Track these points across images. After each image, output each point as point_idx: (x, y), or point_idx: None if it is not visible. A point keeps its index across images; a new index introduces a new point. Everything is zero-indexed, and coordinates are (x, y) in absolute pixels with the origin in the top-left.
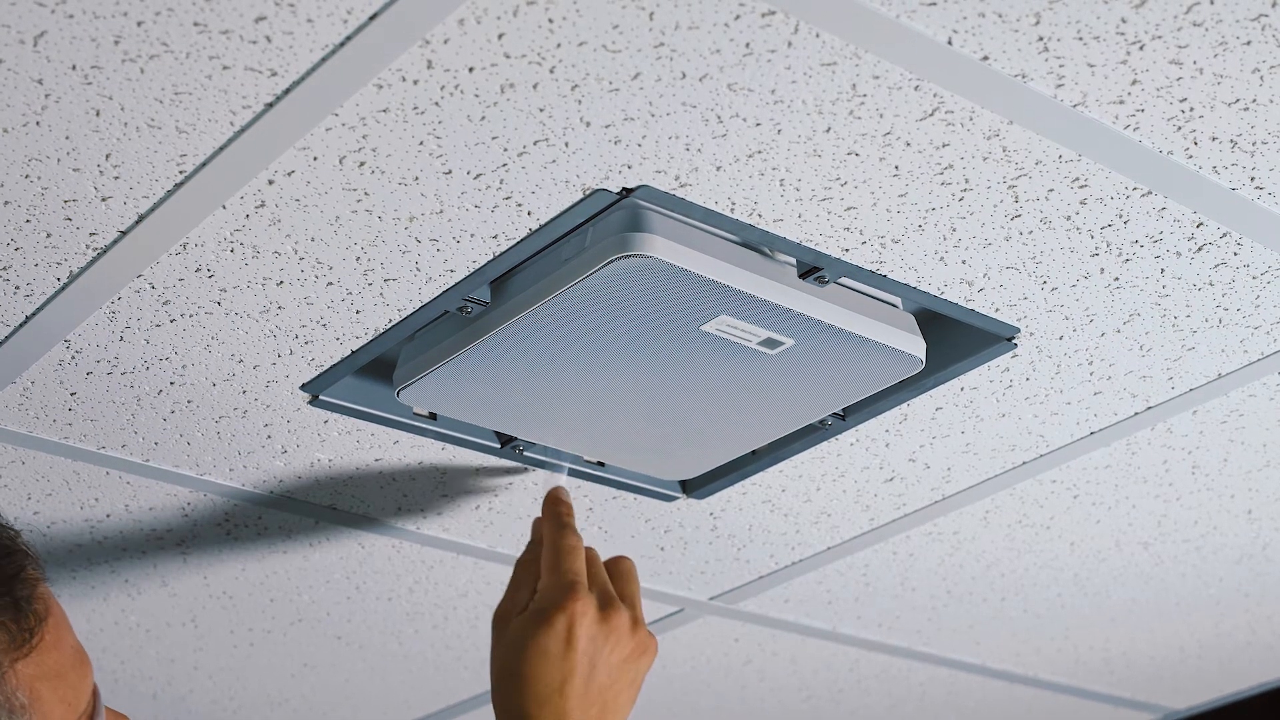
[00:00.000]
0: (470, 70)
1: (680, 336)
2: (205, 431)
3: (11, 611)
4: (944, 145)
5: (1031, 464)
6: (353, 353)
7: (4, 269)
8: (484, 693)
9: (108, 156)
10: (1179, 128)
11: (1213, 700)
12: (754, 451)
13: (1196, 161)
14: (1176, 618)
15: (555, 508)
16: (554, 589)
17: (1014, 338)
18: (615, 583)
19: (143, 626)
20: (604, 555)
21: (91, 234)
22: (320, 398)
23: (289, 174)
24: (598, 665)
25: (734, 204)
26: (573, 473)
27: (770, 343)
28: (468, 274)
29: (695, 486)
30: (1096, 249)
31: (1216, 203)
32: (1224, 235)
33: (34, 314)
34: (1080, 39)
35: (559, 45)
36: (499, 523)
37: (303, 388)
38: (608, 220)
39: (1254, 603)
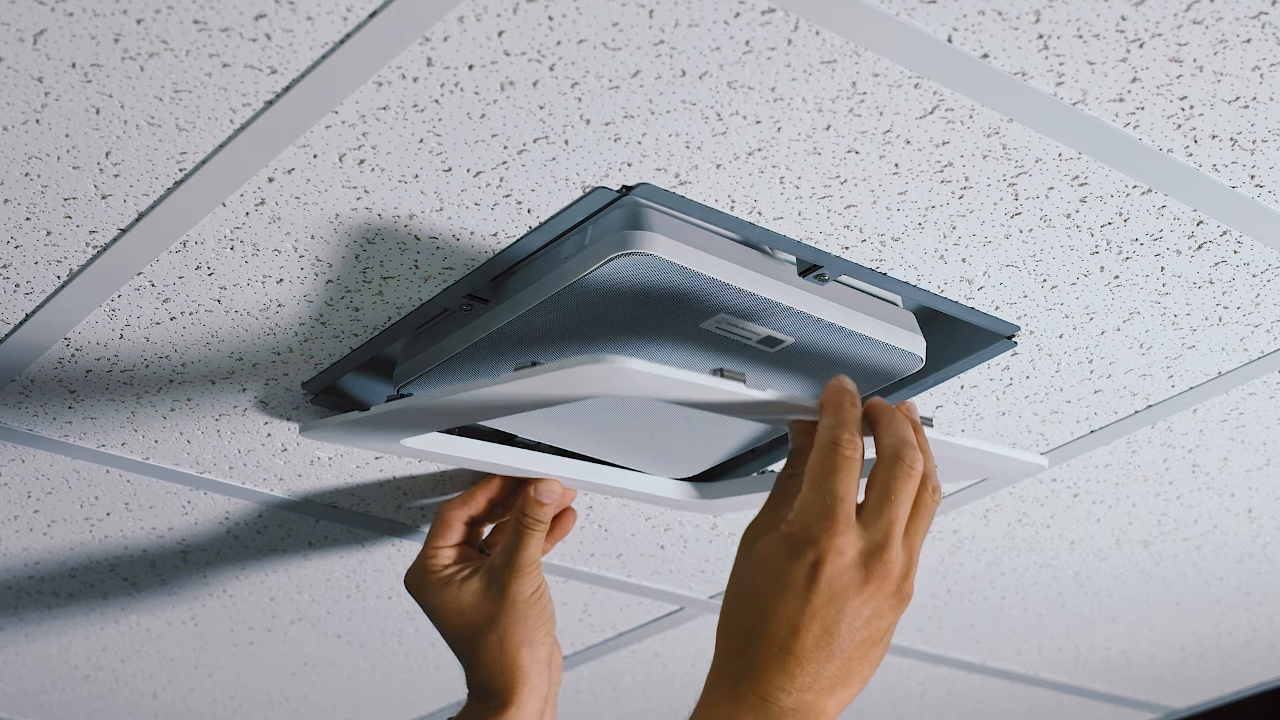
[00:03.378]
0: (470, 68)
1: (680, 334)
2: (205, 430)
3: None
4: (944, 143)
5: None
6: (352, 350)
7: (4, 267)
8: None
9: (108, 154)
10: (1179, 125)
11: (1213, 699)
12: (755, 450)
13: (1196, 159)
14: (1177, 617)
15: (838, 398)
16: (811, 512)
17: (1014, 336)
18: (910, 519)
19: (143, 625)
20: (600, 552)
21: (91, 232)
22: (320, 396)
23: (289, 172)
24: (844, 617)
25: (734, 202)
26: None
27: (770, 341)
28: (467, 272)
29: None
30: (1096, 247)
31: (1216, 201)
32: (1224, 233)
33: (34, 312)
34: (1080, 37)
35: (559, 43)
36: None
37: (303, 386)
38: (607, 218)
39: (1255, 602)
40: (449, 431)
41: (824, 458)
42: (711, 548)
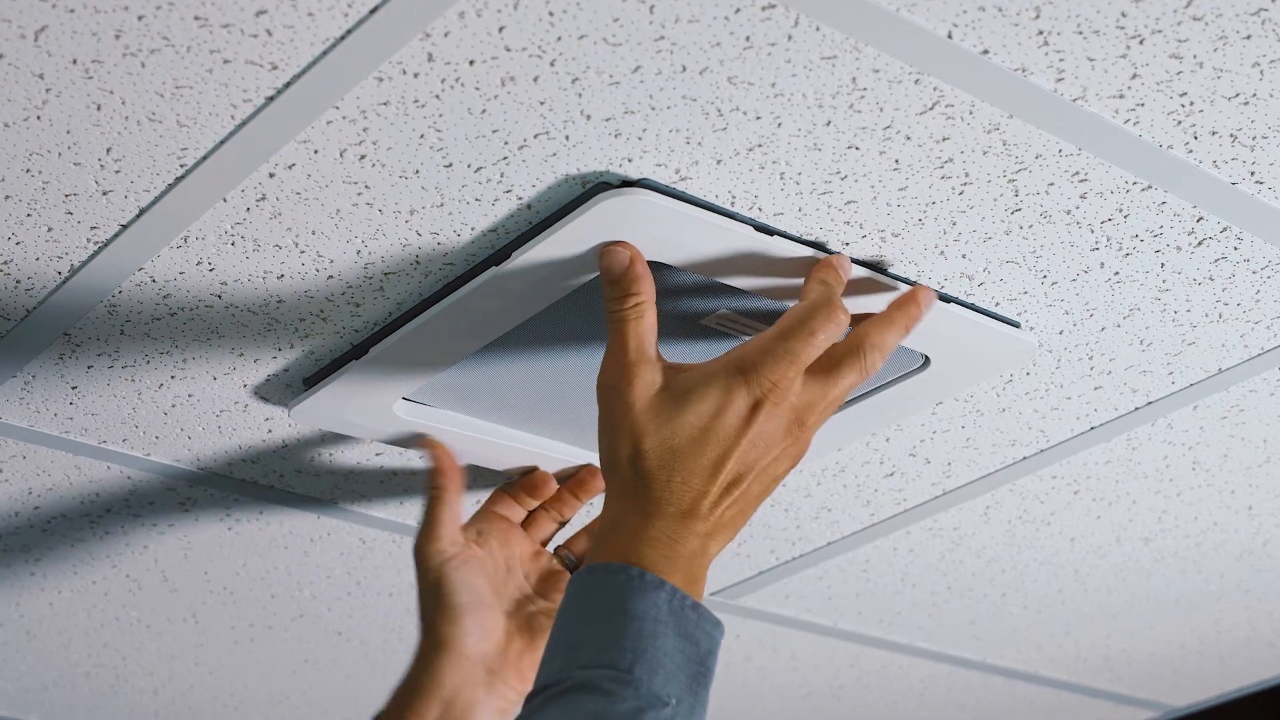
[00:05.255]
0: (471, 63)
1: (681, 330)
2: (206, 426)
3: None
4: (944, 139)
5: (1032, 459)
6: (353, 346)
7: (5, 263)
8: None
9: (109, 150)
10: (1179, 122)
11: (1213, 697)
12: None
13: (1196, 156)
14: (1177, 614)
15: (842, 269)
16: (773, 354)
17: None
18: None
19: (143, 622)
20: None
21: (92, 228)
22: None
23: (290, 167)
24: (759, 463)
25: (734, 197)
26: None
27: None
28: (468, 268)
29: None
30: (1096, 243)
31: (1216, 197)
32: (1224, 230)
33: (35, 308)
34: (1080, 33)
35: (559, 38)
36: None
37: (304, 382)
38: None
39: (1255, 599)
40: (446, 410)
41: (810, 313)
42: None
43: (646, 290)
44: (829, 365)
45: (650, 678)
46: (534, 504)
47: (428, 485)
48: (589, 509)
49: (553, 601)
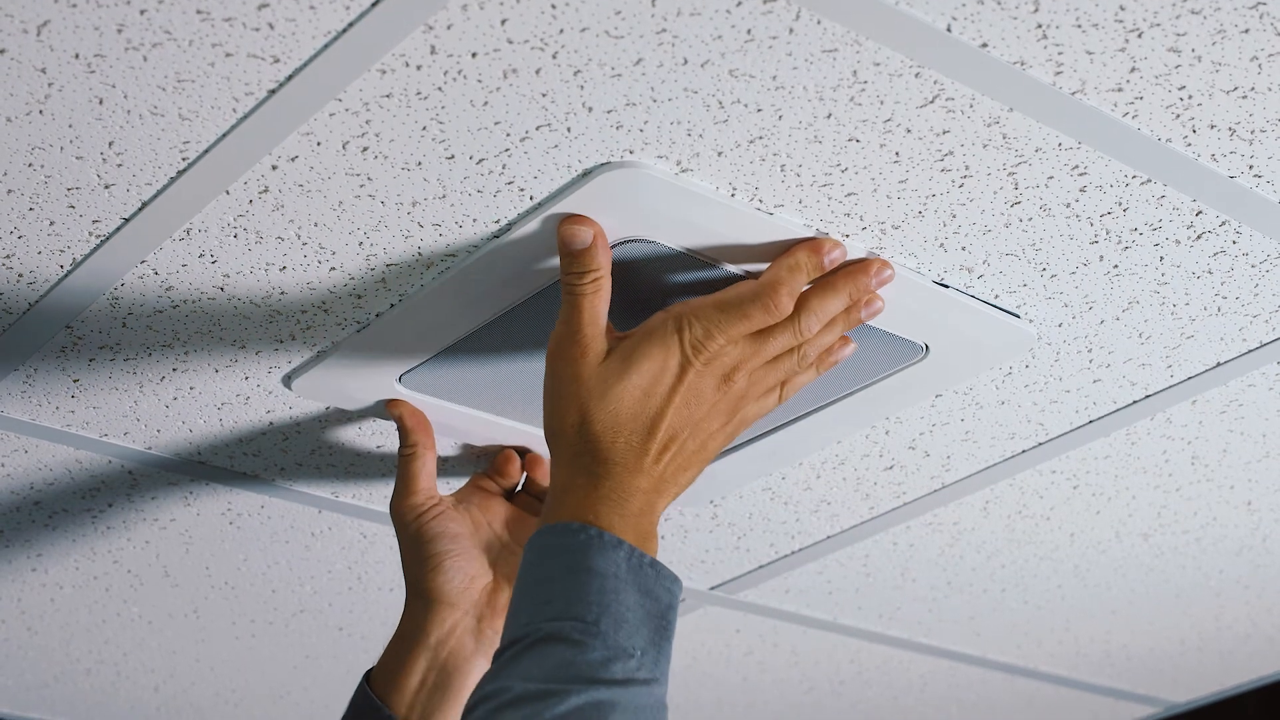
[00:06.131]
0: (473, 55)
1: None
2: (208, 419)
3: None
4: (944, 132)
5: (1031, 453)
6: (356, 337)
7: (7, 256)
8: None
9: (111, 144)
10: (1177, 115)
11: (1213, 693)
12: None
13: (1195, 149)
14: (1176, 610)
15: (799, 254)
16: (715, 316)
17: None
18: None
19: (145, 618)
20: None
21: (95, 221)
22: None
23: (292, 159)
24: (697, 420)
25: (735, 189)
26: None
27: None
28: (470, 259)
29: None
30: (1096, 236)
31: (1215, 190)
32: (1223, 223)
33: (37, 301)
34: (1079, 26)
35: (561, 30)
36: None
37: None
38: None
39: (1254, 595)
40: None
41: (753, 295)
42: (711, 538)
43: (605, 266)
44: (762, 338)
45: (615, 630)
46: (506, 483)
47: (400, 445)
48: None
49: None
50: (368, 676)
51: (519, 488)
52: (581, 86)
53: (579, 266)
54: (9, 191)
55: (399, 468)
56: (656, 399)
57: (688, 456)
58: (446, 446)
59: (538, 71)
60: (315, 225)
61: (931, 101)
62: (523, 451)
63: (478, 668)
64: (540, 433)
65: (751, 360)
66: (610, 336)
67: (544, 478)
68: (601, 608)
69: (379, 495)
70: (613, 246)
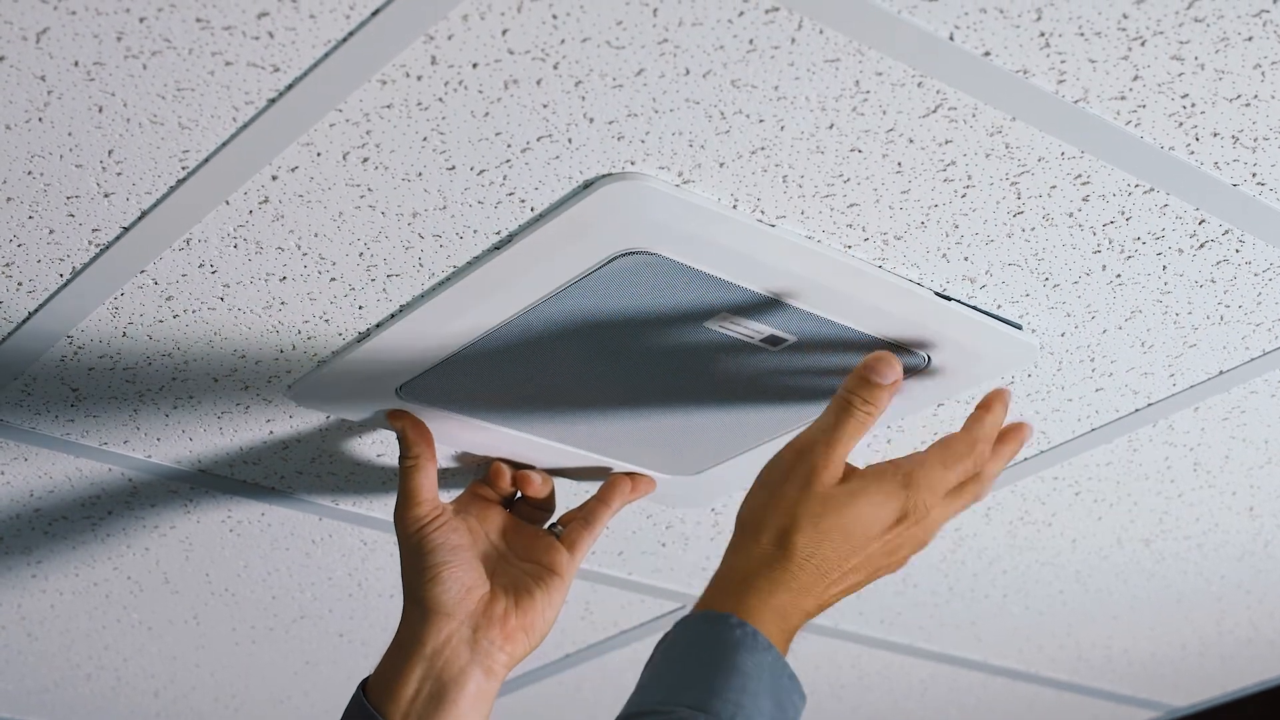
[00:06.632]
0: (474, 66)
1: (683, 333)
2: (208, 428)
3: None
4: (947, 142)
5: (1033, 460)
6: (356, 347)
7: (7, 265)
8: None
9: (110, 153)
10: (1180, 123)
11: (1214, 698)
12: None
13: (1198, 157)
14: (1178, 615)
15: (992, 409)
16: (931, 481)
17: None
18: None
19: (145, 624)
20: (601, 549)
21: (94, 230)
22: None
23: (292, 169)
24: (881, 561)
25: (736, 200)
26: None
27: (773, 340)
28: (471, 270)
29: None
30: (1099, 246)
31: (1218, 199)
32: (1226, 232)
33: (37, 310)
34: (1082, 34)
35: (563, 41)
36: None
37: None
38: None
39: (1255, 600)
40: (444, 410)
41: (970, 450)
42: (713, 545)
43: (884, 406)
44: (958, 490)
45: None
46: (502, 493)
47: (401, 456)
48: (577, 496)
49: (540, 564)
50: (364, 685)
51: (517, 495)
52: (583, 97)
53: (870, 396)
54: (8, 199)
55: (401, 479)
56: (860, 540)
57: (854, 587)
58: (446, 457)
59: (539, 82)
60: (315, 236)
61: (934, 111)
62: (514, 465)
63: (473, 678)
64: (540, 440)
65: (947, 510)
66: (846, 465)
67: (535, 492)
68: (737, 707)
69: (379, 502)
70: (613, 259)
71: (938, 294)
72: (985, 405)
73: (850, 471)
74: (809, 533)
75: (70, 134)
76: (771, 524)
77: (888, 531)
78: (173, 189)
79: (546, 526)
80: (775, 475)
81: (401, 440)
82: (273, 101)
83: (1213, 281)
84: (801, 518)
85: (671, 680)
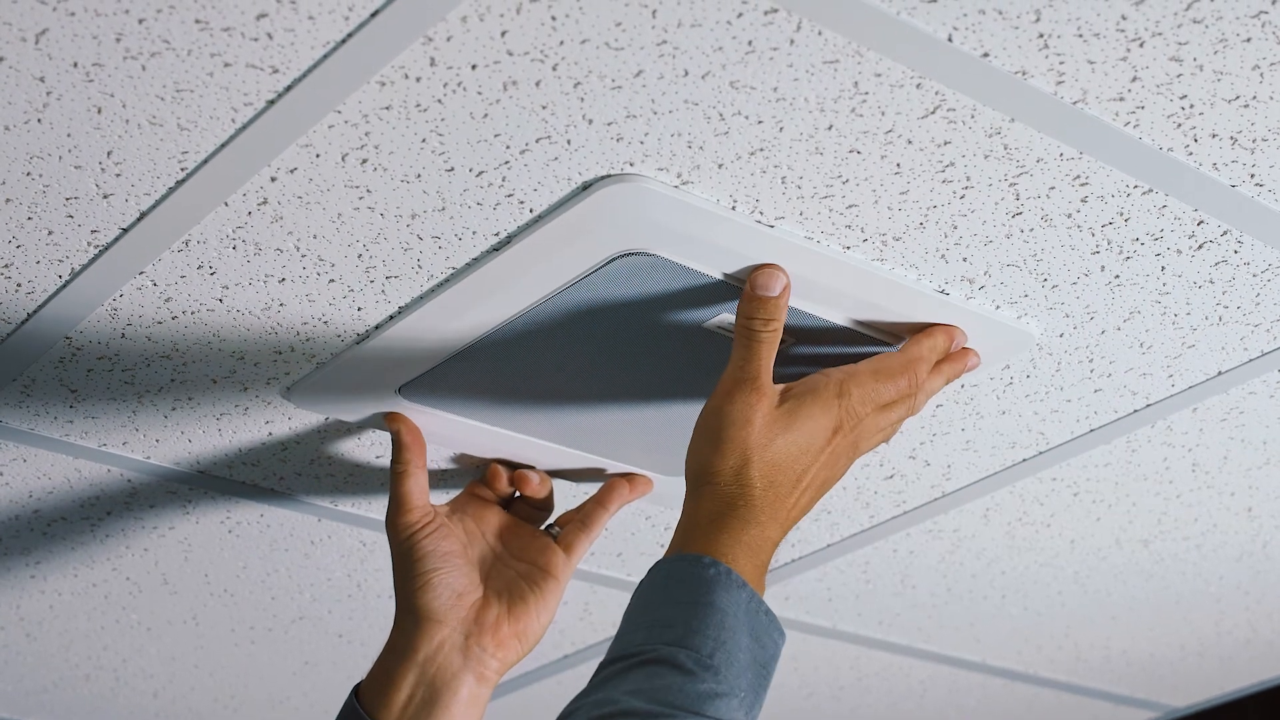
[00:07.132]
0: (473, 67)
1: (682, 333)
2: (207, 429)
3: None
4: (945, 143)
5: (1032, 461)
6: (355, 349)
7: (5, 266)
8: None
9: (109, 154)
10: (1179, 125)
11: (1213, 698)
12: None
13: (1197, 159)
14: (1177, 615)
15: (937, 336)
16: (873, 389)
17: None
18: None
19: (144, 624)
20: (600, 550)
21: (93, 231)
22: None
23: (291, 171)
24: (832, 470)
25: (735, 201)
26: None
27: None
28: (470, 271)
29: None
30: (1097, 247)
31: (1217, 200)
32: (1224, 233)
33: (35, 311)
34: (1080, 36)
35: (562, 43)
36: None
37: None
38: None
39: (1254, 600)
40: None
41: (904, 369)
42: None
43: (784, 318)
44: (891, 404)
45: (726, 668)
46: (500, 493)
47: (393, 462)
48: (575, 497)
49: (536, 566)
50: (356, 690)
51: (516, 495)
52: (582, 99)
53: (764, 313)
54: (7, 200)
55: (391, 485)
56: (808, 456)
57: (808, 505)
58: (444, 457)
59: (537, 84)
60: (314, 237)
61: (933, 112)
62: (511, 465)
63: (465, 684)
64: (539, 441)
65: (879, 421)
66: (778, 388)
67: (533, 492)
68: (717, 643)
69: (378, 504)
70: (612, 260)
71: (936, 290)
72: (928, 331)
73: (785, 391)
74: (760, 464)
75: (69, 135)
76: (725, 466)
77: (828, 444)
78: (171, 190)
79: (544, 528)
80: (713, 422)
81: (394, 444)
82: (272, 103)
83: (1211, 282)
84: (751, 451)
85: (649, 622)
